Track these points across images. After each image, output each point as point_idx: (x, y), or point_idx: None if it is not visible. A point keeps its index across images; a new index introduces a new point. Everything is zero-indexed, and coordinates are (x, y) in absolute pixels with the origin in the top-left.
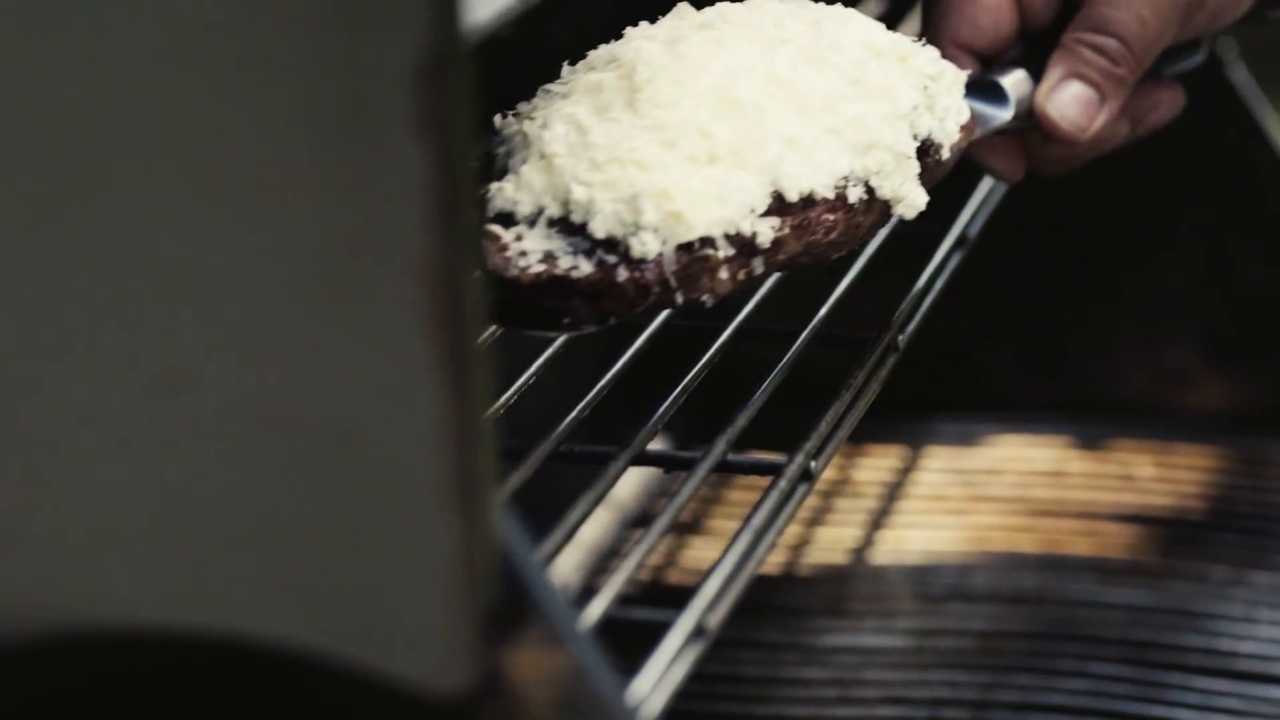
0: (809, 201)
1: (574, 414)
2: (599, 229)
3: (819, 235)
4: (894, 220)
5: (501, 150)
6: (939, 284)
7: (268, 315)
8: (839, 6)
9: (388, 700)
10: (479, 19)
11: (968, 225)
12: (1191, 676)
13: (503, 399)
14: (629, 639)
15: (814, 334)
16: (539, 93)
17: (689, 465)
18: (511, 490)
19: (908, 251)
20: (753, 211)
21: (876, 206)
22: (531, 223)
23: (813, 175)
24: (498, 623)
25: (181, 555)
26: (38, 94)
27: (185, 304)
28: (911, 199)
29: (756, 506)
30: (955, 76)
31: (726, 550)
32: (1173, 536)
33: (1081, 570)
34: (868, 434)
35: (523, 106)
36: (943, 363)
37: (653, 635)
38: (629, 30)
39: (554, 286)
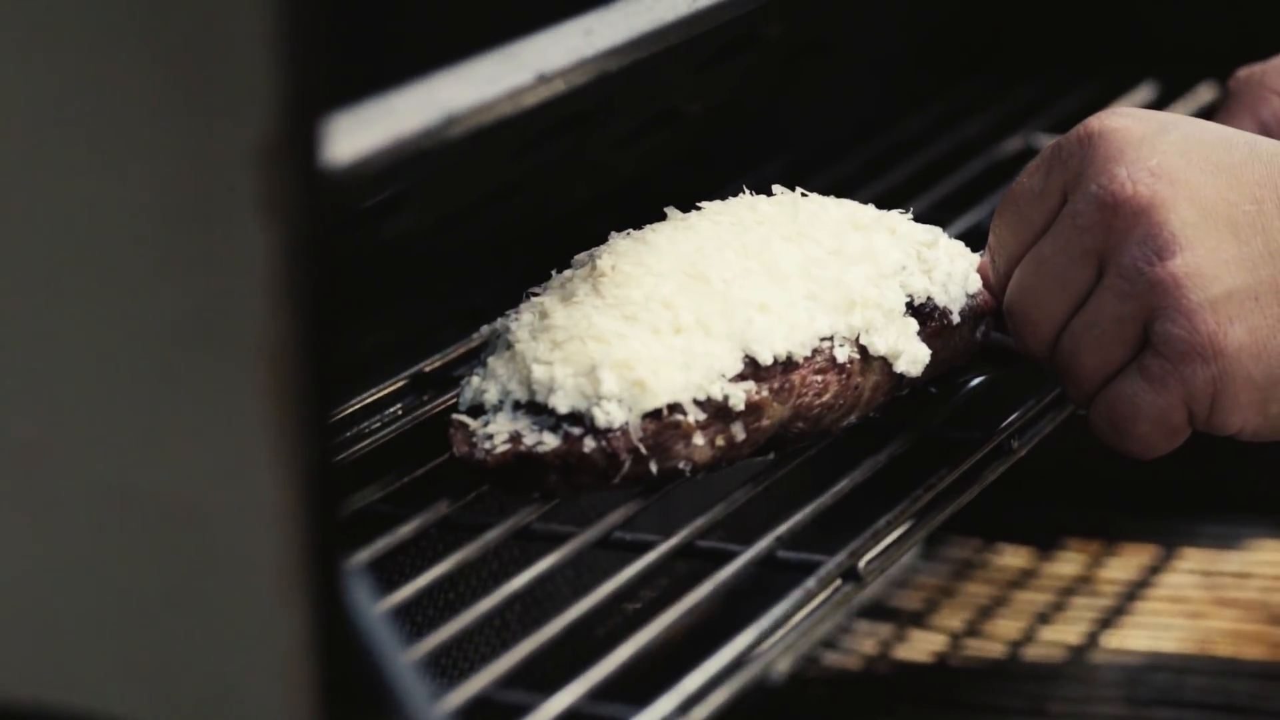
0: (789, 364)
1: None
2: (561, 404)
3: (808, 398)
4: (907, 385)
5: (482, 354)
6: None
7: (117, 393)
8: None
9: None
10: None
11: None
12: None
13: None
14: None
15: (917, 434)
16: (524, 296)
17: (732, 559)
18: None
19: None
20: (722, 376)
21: (875, 366)
22: (498, 409)
23: (788, 336)
24: (345, 714)
25: (31, 631)
26: None
27: (39, 379)
28: (911, 353)
29: (770, 605)
30: (955, 247)
31: (719, 647)
32: None
33: None
34: (1123, 532)
35: (510, 311)
36: (1211, 462)
37: None
38: (613, 234)
39: (522, 464)
